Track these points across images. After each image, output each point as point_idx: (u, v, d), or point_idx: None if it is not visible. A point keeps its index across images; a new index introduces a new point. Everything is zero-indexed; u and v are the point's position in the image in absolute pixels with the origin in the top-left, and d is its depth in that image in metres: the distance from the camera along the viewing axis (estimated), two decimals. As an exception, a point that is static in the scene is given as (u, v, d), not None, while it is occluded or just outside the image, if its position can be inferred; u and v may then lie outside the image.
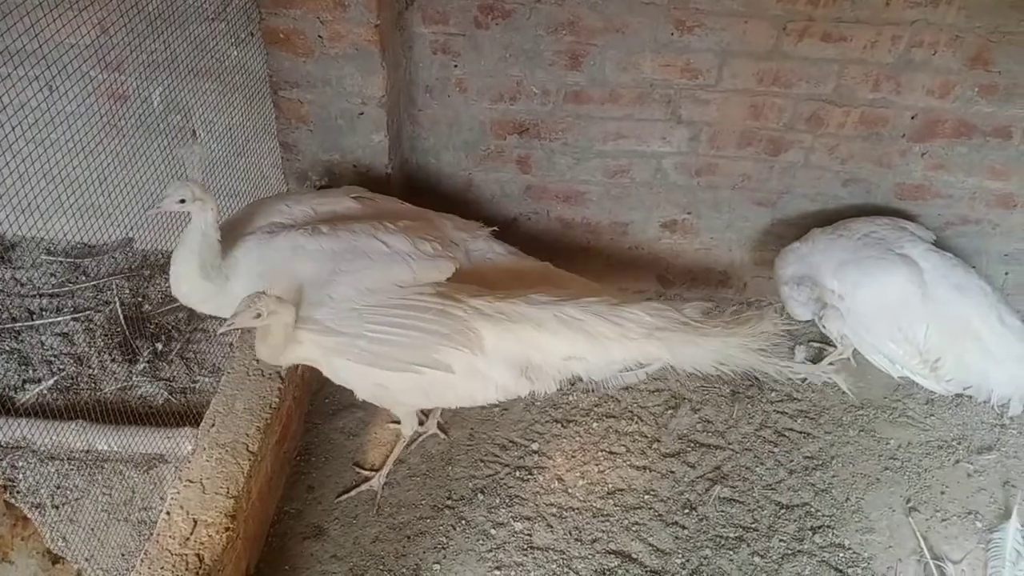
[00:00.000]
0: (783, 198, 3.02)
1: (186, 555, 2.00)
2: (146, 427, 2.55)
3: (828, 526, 2.56)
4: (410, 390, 2.33)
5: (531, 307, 2.33)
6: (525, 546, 2.46)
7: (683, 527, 2.54)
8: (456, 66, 2.77)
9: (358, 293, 2.25)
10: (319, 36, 2.57)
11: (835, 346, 2.98)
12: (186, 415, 2.62)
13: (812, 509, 2.61)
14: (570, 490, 2.63)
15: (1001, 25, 2.50)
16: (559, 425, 2.84)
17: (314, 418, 2.79)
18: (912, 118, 2.74)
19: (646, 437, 2.82)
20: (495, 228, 2.70)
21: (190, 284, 2.25)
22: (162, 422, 2.62)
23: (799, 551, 2.49)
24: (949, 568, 2.45)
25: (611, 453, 2.76)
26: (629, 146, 2.93)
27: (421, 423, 2.75)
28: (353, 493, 2.56)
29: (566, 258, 3.17)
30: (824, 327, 2.83)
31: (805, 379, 2.90)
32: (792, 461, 2.75)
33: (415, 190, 2.98)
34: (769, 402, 2.96)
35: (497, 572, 2.39)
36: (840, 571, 2.44)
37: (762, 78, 2.70)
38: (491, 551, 2.44)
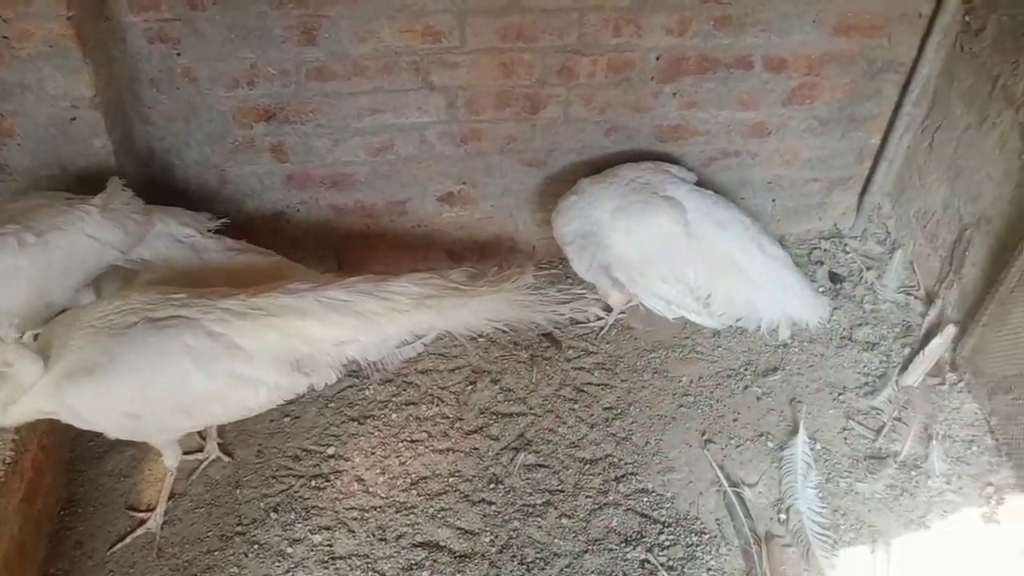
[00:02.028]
0: (552, 156, 2.98)
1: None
2: None
3: (631, 473, 2.57)
4: (167, 413, 2.11)
5: (291, 297, 2.19)
6: (326, 558, 2.31)
7: (490, 503, 2.47)
8: (179, 54, 2.52)
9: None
10: (4, 37, 2.25)
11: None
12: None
13: (615, 459, 2.60)
14: (371, 489, 2.50)
15: (722, -42, 2.54)
16: (356, 423, 2.70)
17: (78, 465, 2.50)
18: (657, 59, 2.76)
19: (448, 418, 2.73)
20: (226, 219, 2.56)
21: None
22: None
23: (605, 504, 2.48)
24: (746, 492, 2.52)
25: (412, 442, 2.65)
26: (387, 120, 2.79)
27: (200, 448, 2.53)
28: (128, 540, 2.32)
29: (348, 247, 3.04)
30: (606, 299, 2.86)
31: (577, 321, 2.99)
32: (592, 415, 2.74)
33: (162, 195, 2.71)
34: (567, 360, 2.94)
35: (297, 592, 2.23)
36: (646, 516, 2.45)
37: (505, 35, 2.62)
38: (288, 571, 2.28)
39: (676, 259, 2.66)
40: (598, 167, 2.91)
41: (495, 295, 2.39)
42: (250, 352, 2.11)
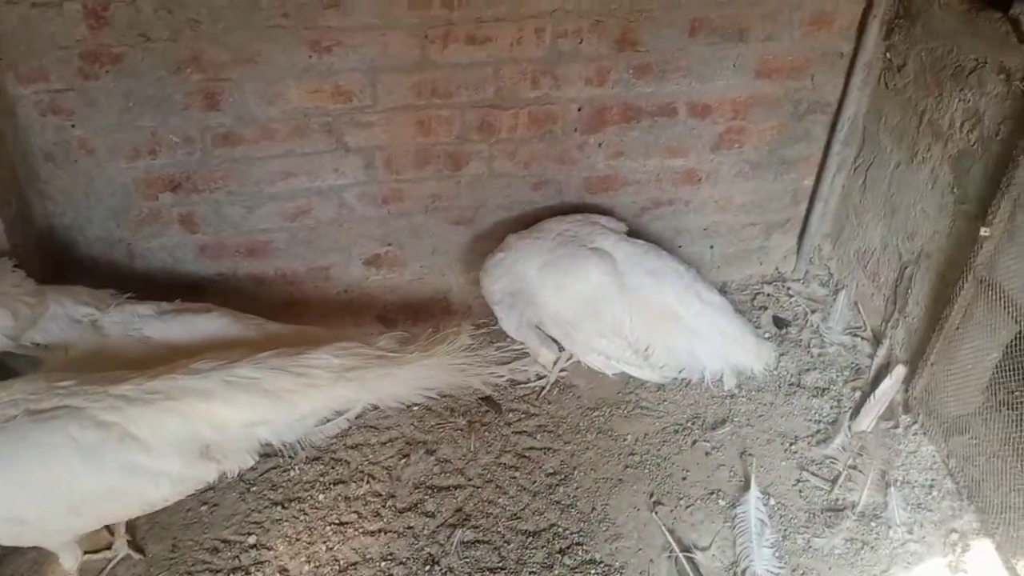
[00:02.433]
0: (479, 213, 2.88)
1: None
2: None
3: (577, 543, 2.40)
4: (55, 514, 1.91)
5: (194, 378, 2.01)
6: (243, 662, 2.10)
7: (425, 588, 2.28)
8: (74, 126, 2.39)
9: None
10: None
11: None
12: None
13: (559, 529, 2.44)
14: (294, 580, 2.29)
15: (637, 4, 2.49)
16: (280, 508, 2.50)
17: (-30, 572, 2.27)
18: (579, 110, 2.69)
19: (380, 496, 2.55)
20: (131, 295, 2.39)
21: None
22: None
23: (549, 580, 2.30)
24: (699, 556, 2.36)
25: (341, 524, 2.46)
26: (302, 184, 2.67)
27: (108, 545, 2.32)
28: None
29: (272, 317, 2.85)
30: (536, 358, 2.75)
31: (517, 382, 2.86)
32: (535, 483, 2.58)
33: (66, 274, 2.55)
34: (507, 424, 2.78)
35: None
36: (593, 591, 2.28)
37: (420, 91, 2.54)
38: None
39: (610, 312, 2.56)
40: (528, 222, 2.82)
41: (427, 361, 2.24)
42: (147, 441, 1.93)
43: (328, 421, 2.23)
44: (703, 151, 2.90)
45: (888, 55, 2.77)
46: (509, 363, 2.55)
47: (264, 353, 2.13)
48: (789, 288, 3.25)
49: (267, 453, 2.27)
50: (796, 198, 3.13)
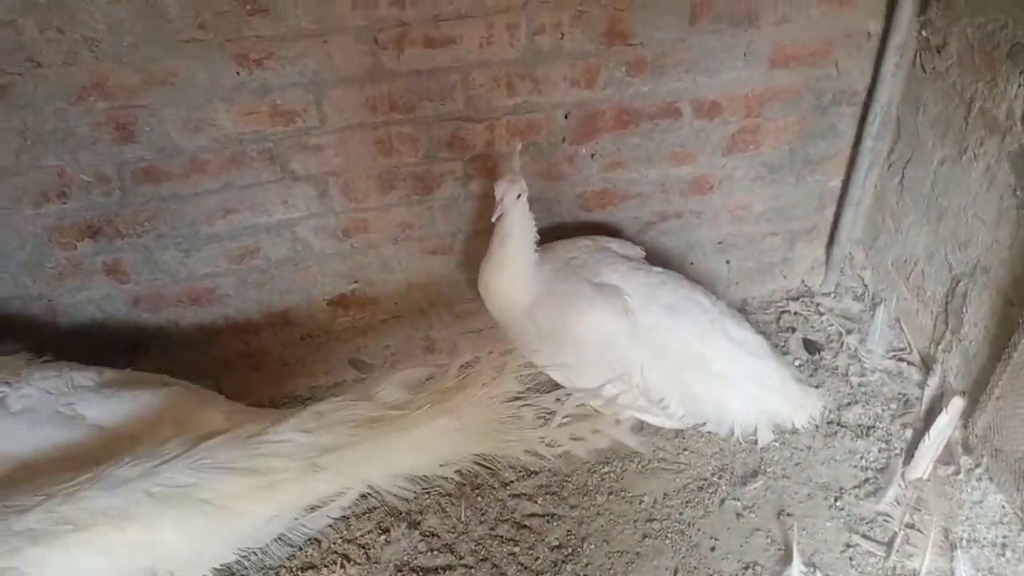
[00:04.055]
0: (458, 240, 2.48)
1: None
2: None
3: (587, 640, 2.00)
4: None
5: (108, 496, 1.54)
6: None
7: None
8: (-38, 172, 1.99)
9: None
10: None
11: None
12: None
13: (566, 622, 2.04)
14: None
15: (624, -11, 2.08)
16: (238, 602, 2.11)
17: None
18: (566, 117, 2.28)
19: (356, 581, 2.16)
20: (47, 357, 1.96)
21: None
22: None
23: None
24: (734, 651, 1.95)
25: (308, 624, 2.07)
26: (246, 220, 2.28)
27: None
28: None
29: (228, 370, 2.50)
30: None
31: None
32: (538, 560, 2.20)
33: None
34: (503, 485, 2.39)
35: None
36: None
37: (375, 106, 2.14)
38: None
39: (618, 358, 2.15)
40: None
41: (445, 419, 1.61)
42: None
43: (305, 518, 1.77)
44: (713, 155, 2.50)
45: (925, 33, 2.35)
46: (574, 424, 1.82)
47: (210, 442, 1.63)
48: (819, 304, 2.84)
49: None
50: (823, 202, 2.72)
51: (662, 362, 2.15)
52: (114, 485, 1.56)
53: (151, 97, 2.00)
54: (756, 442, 2.28)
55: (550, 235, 2.41)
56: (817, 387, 2.37)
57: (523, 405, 1.68)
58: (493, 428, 1.66)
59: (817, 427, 2.42)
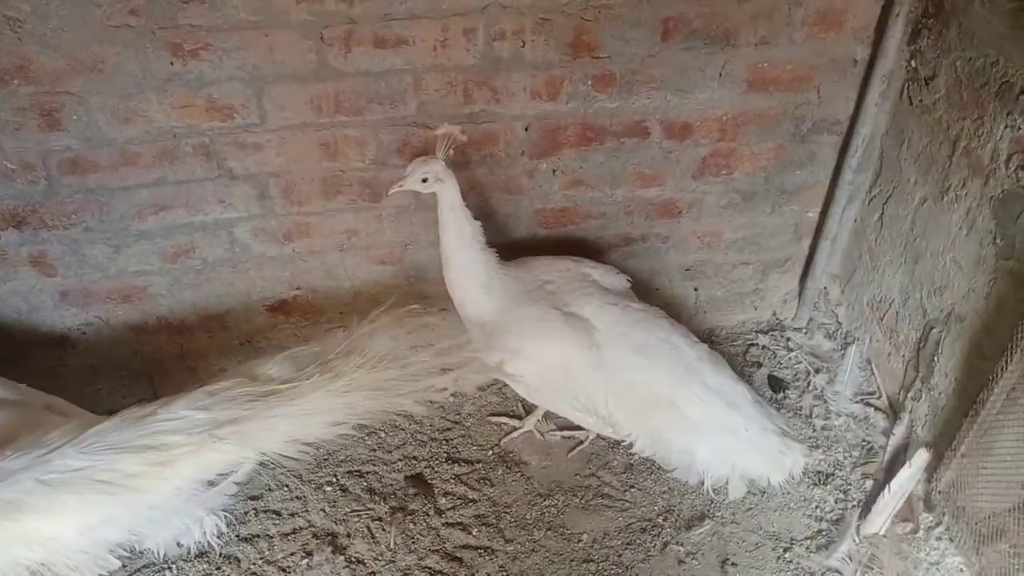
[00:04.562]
0: (408, 251, 2.36)
1: None
2: None
3: None
4: None
5: None
6: None
7: None
8: None
9: None
10: None
11: None
12: None
13: (486, 668, 1.92)
14: None
15: (592, -1, 1.95)
16: (144, 623, 1.99)
17: None
18: (526, 129, 2.16)
19: (272, 608, 2.04)
20: None
21: None
22: None
23: None
24: None
25: (215, 651, 1.95)
26: (180, 218, 2.16)
27: None
28: None
29: (162, 372, 2.38)
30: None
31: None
32: (464, 596, 2.07)
33: None
34: (439, 512, 2.27)
35: None
36: None
37: (320, 106, 2.01)
38: None
39: (582, 388, 2.04)
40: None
41: (335, 385, 1.68)
42: None
43: (196, 496, 1.72)
44: (683, 178, 2.37)
45: (913, 64, 2.22)
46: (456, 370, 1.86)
47: (98, 426, 1.62)
48: (789, 339, 2.71)
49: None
50: (799, 233, 2.59)
51: (629, 401, 2.02)
52: (3, 476, 1.49)
53: (78, 84, 1.87)
54: (727, 495, 2.12)
55: (508, 252, 2.27)
56: (802, 442, 2.19)
57: (406, 363, 1.75)
58: (381, 386, 1.71)
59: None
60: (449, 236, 2.02)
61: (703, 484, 2.08)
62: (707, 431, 2.02)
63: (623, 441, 2.18)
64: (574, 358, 2.03)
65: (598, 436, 2.37)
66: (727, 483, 2.07)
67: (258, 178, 2.11)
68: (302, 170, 2.12)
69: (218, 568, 2.16)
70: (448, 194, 1.96)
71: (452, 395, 2.07)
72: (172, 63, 1.88)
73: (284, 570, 2.15)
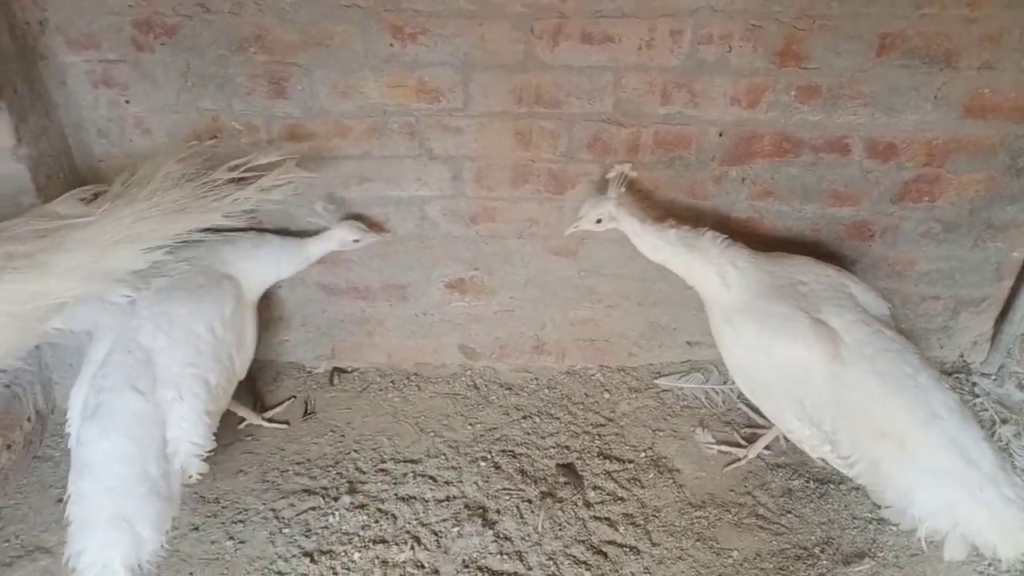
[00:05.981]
0: (585, 245, 2.39)
1: None
2: None
3: None
4: None
5: None
6: None
7: None
8: (128, 101, 2.11)
9: None
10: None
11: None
12: None
13: (618, 666, 1.93)
14: (295, 663, 1.93)
15: (808, 8, 1.91)
16: (308, 560, 2.16)
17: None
18: (720, 135, 2.13)
19: (422, 568, 2.14)
20: None
21: None
22: None
23: None
24: None
25: (368, 598, 2.07)
26: (379, 191, 2.29)
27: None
28: None
29: (342, 332, 2.54)
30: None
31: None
32: (604, 591, 2.08)
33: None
34: (587, 504, 2.29)
35: None
36: None
37: (521, 96, 2.08)
38: None
39: (813, 400, 1.97)
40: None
41: (127, 211, 1.75)
42: None
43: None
44: (880, 201, 2.27)
45: None
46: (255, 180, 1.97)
47: None
48: (975, 385, 2.54)
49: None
50: (1000, 272, 2.41)
51: (857, 424, 1.91)
52: None
53: (306, 57, 2.03)
54: (943, 555, 1.86)
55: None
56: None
57: (201, 181, 1.86)
58: (183, 206, 1.80)
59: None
60: (648, 255, 2.12)
61: (915, 531, 1.91)
62: (935, 478, 1.83)
63: (833, 459, 2.04)
64: (815, 366, 1.96)
65: (758, 456, 2.31)
66: (944, 539, 1.86)
67: (455, 160, 2.21)
68: (495, 156, 2.20)
69: (376, 520, 2.27)
70: (627, 226, 2.02)
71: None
72: (392, 44, 1.99)
73: (436, 534, 2.24)
